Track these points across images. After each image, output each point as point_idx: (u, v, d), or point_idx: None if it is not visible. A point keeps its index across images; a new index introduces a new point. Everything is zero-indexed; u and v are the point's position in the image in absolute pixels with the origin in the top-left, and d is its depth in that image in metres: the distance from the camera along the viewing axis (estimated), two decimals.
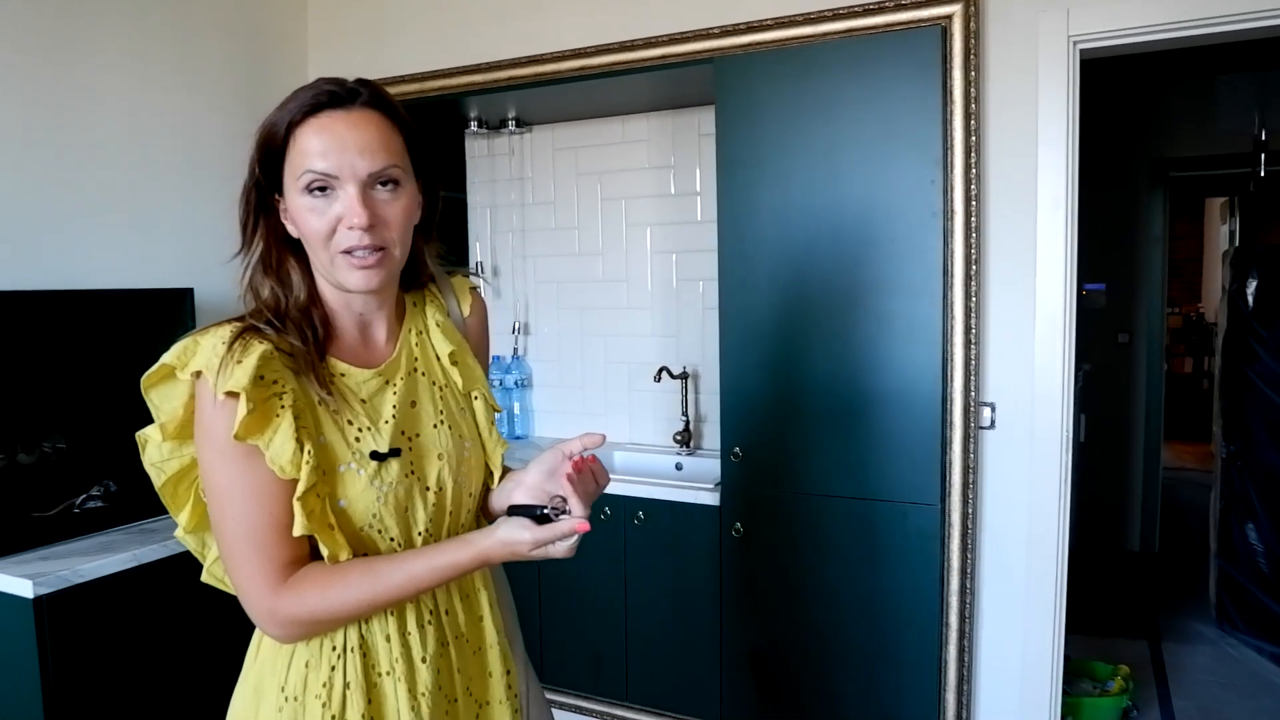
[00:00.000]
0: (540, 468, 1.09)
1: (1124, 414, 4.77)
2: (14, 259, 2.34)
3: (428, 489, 1.09)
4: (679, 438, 3.09)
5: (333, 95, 1.02)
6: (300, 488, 0.97)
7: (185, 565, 1.49)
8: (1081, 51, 2.19)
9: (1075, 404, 4.20)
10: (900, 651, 2.38)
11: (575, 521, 0.99)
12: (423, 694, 1.06)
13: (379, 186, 1.03)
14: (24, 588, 1.87)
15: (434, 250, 1.19)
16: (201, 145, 2.78)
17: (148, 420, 1.06)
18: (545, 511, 1.00)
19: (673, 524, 2.65)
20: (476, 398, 1.19)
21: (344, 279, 1.03)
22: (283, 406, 0.98)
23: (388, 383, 1.11)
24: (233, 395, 0.95)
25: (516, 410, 3.41)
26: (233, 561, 1.00)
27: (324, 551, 1.00)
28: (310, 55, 3.23)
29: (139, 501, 2.28)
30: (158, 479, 1.07)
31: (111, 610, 2.03)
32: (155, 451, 1.06)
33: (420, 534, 1.08)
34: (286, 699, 1.04)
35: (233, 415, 0.95)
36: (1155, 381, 4.75)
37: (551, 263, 3.37)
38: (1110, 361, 4.74)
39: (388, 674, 1.06)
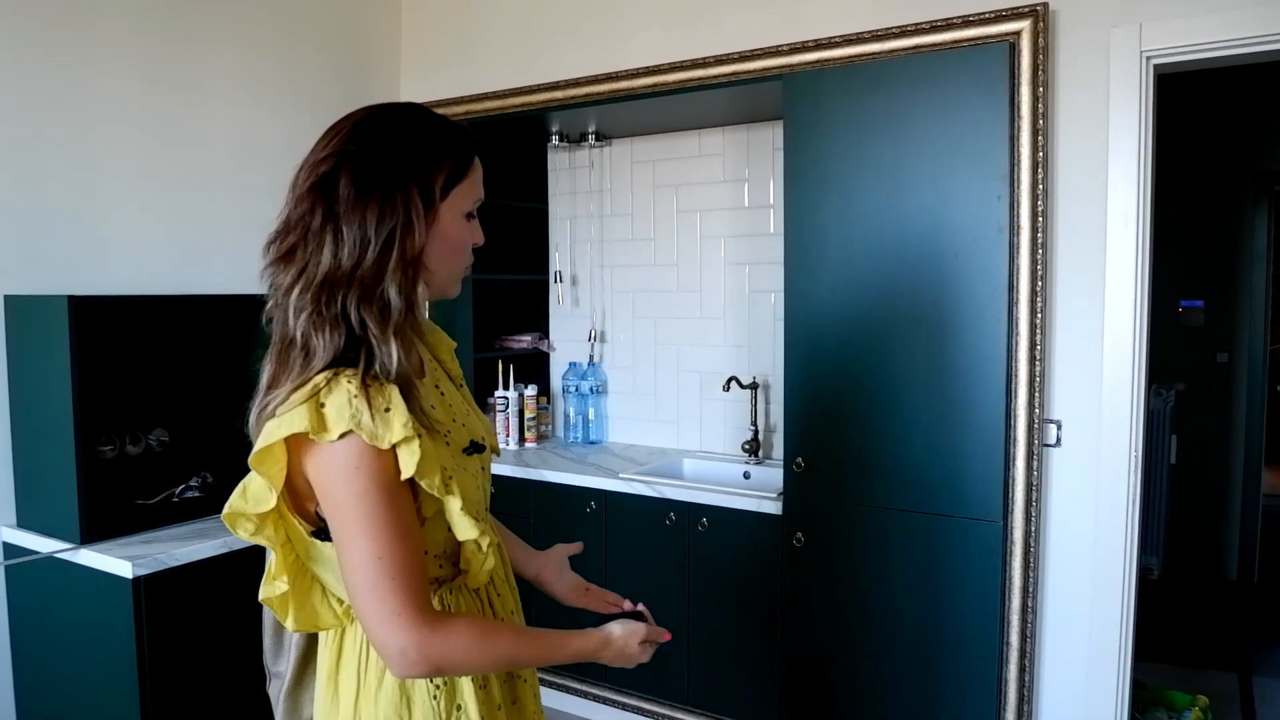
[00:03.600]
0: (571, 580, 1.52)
1: (1222, 437, 4.57)
2: (126, 267, 2.57)
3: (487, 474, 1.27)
4: (747, 447, 3.13)
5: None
6: (456, 503, 1.07)
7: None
8: (1156, 67, 2.16)
9: (1165, 424, 4.09)
10: (959, 668, 2.37)
11: (665, 632, 1.38)
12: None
13: None
14: (124, 569, 2.06)
15: None
16: (298, 163, 2.98)
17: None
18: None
19: (735, 531, 2.69)
20: (461, 386, 1.31)
21: (454, 288, 1.18)
22: (417, 437, 1.02)
23: (436, 386, 1.20)
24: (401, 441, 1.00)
25: (591, 416, 3.50)
26: (374, 595, 1.00)
27: (473, 540, 1.10)
28: (403, 76, 3.41)
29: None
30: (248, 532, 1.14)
31: (202, 592, 2.19)
32: (247, 524, 1.13)
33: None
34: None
35: (392, 460, 1.00)
36: (1256, 404, 4.55)
37: (628, 273, 3.46)
38: (1207, 382, 4.56)
39: None
